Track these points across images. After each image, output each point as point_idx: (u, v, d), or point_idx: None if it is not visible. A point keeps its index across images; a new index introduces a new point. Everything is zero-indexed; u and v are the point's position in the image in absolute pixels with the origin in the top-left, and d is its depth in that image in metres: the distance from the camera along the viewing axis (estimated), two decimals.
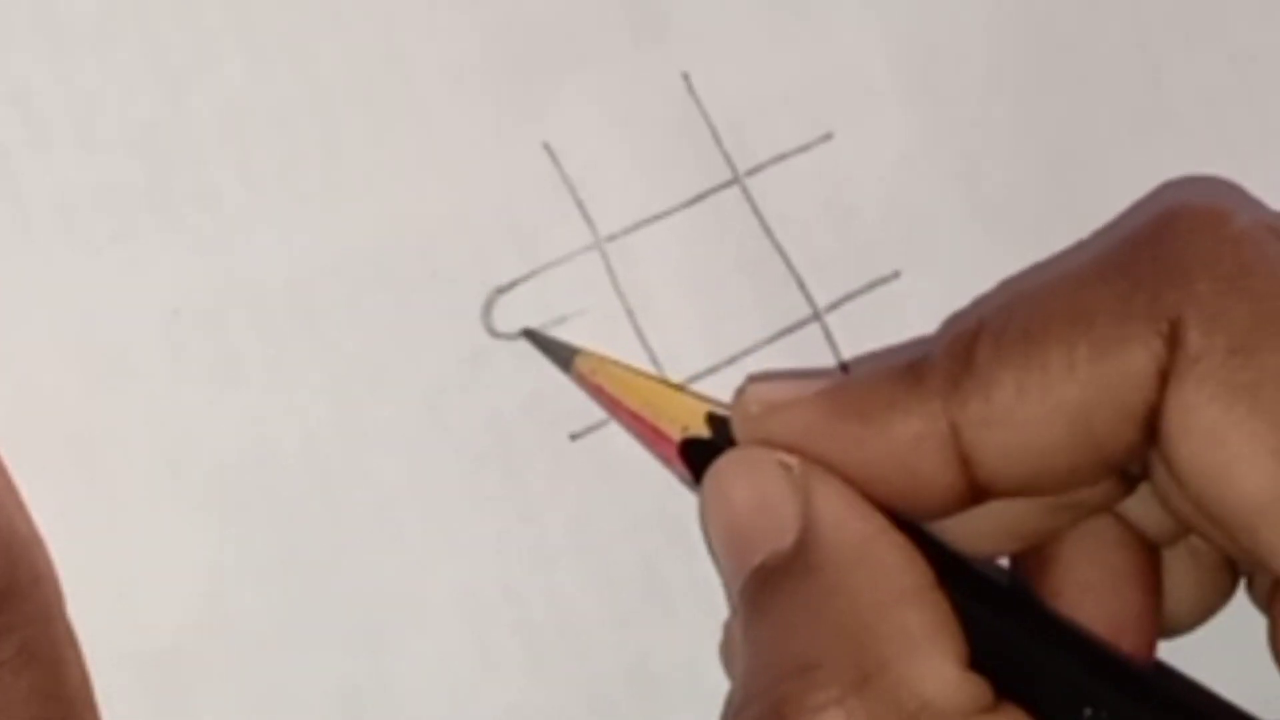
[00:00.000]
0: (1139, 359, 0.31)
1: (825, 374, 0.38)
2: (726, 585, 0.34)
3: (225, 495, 0.38)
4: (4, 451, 0.37)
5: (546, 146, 0.39)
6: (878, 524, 0.32)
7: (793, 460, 0.33)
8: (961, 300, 0.40)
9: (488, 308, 0.39)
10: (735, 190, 0.40)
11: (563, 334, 0.39)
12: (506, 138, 0.39)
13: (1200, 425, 0.31)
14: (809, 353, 0.40)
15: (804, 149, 0.40)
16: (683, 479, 0.36)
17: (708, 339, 0.39)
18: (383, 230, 0.39)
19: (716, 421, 0.36)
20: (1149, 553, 0.35)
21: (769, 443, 0.34)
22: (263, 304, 0.38)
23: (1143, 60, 0.42)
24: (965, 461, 0.32)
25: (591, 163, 0.39)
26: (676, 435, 0.36)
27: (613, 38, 0.40)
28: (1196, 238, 0.32)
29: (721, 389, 0.39)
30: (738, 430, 0.35)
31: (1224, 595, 0.36)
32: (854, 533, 0.32)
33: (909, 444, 0.33)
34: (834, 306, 0.40)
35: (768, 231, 0.40)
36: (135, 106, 0.38)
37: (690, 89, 0.40)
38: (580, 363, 0.38)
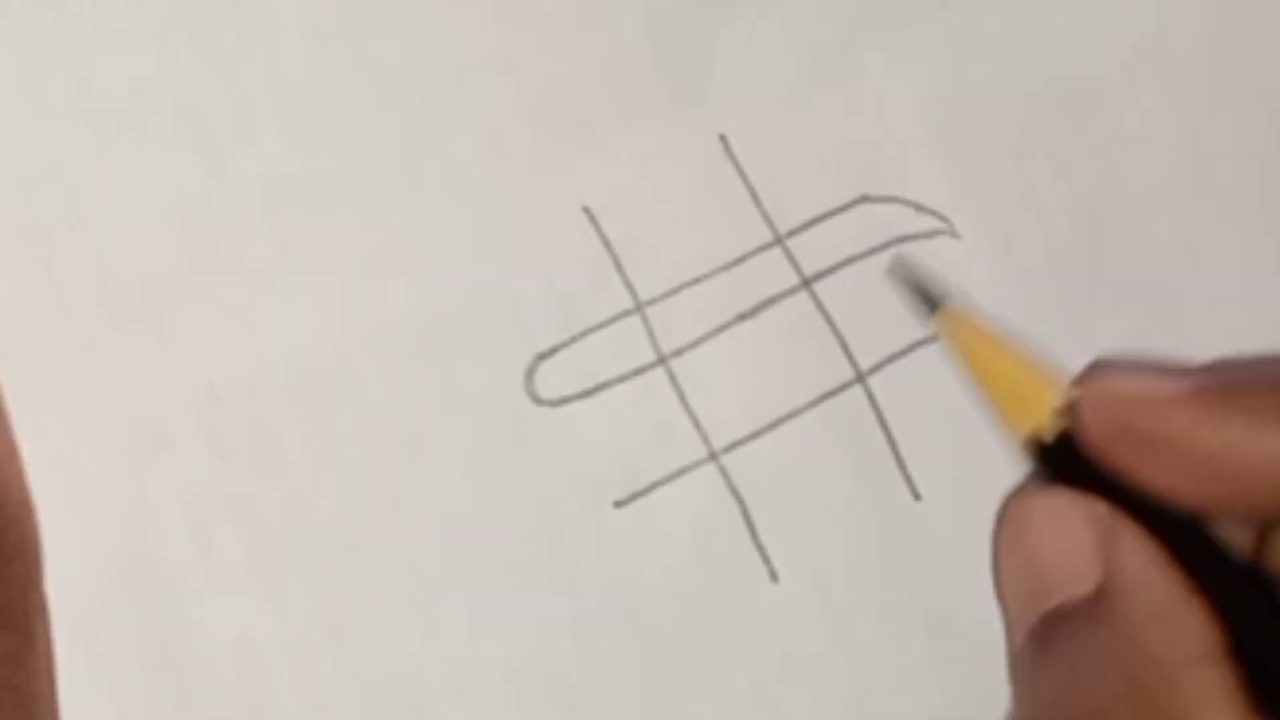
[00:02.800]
0: None
1: (1169, 368, 0.37)
2: (1010, 624, 0.34)
3: (264, 571, 0.38)
4: (43, 528, 0.37)
5: (586, 210, 0.39)
6: (1180, 585, 0.32)
7: (1101, 508, 0.33)
8: None
9: (530, 374, 0.38)
10: (777, 251, 0.40)
11: (604, 399, 0.39)
12: (546, 202, 0.39)
13: None
14: (853, 416, 0.39)
15: (840, 210, 0.40)
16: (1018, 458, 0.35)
17: (750, 402, 0.39)
18: (422, 298, 0.38)
19: (1064, 415, 0.34)
20: None
21: (1131, 430, 0.33)
22: (302, 377, 0.38)
23: (1180, 120, 0.42)
24: None
25: (631, 226, 0.39)
26: (1019, 432, 0.35)
27: (650, 101, 0.40)
28: None
29: (765, 453, 0.39)
30: (1094, 418, 0.34)
31: None
32: (1158, 590, 0.32)
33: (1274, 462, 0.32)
34: (876, 369, 0.40)
35: (811, 294, 0.39)
36: (173, 180, 0.38)
37: (728, 151, 0.40)
38: (943, 320, 0.36)
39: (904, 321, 0.40)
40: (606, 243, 0.39)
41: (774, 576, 0.39)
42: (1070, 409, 0.34)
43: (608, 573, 0.38)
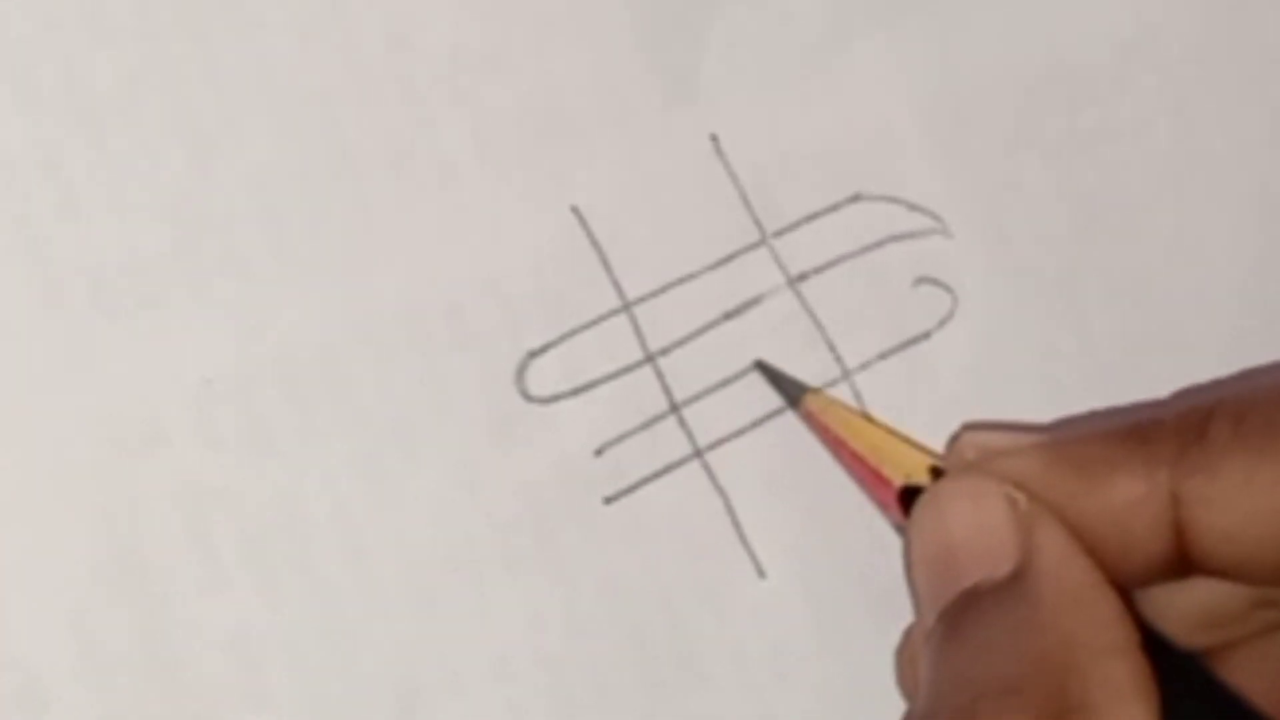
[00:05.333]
0: None
1: (1041, 427, 0.37)
2: (922, 604, 0.34)
3: (256, 565, 0.38)
4: (35, 522, 0.37)
5: (575, 209, 0.39)
6: (1097, 574, 0.32)
7: (1019, 494, 0.33)
8: (993, 360, 0.40)
9: (520, 372, 0.39)
10: (764, 251, 0.40)
11: (593, 397, 0.39)
12: (535, 201, 0.39)
13: None
14: None
15: (832, 209, 0.40)
16: (897, 525, 0.36)
17: (738, 400, 0.39)
18: (413, 296, 0.39)
19: (939, 475, 0.35)
20: None
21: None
22: (293, 372, 0.38)
23: (1174, 113, 0.42)
24: (1178, 533, 0.33)
25: (620, 225, 0.39)
26: (898, 482, 0.36)
27: (641, 100, 0.40)
28: None
29: (750, 451, 0.39)
30: (956, 467, 0.35)
31: None
32: (1075, 575, 0.32)
33: (1128, 506, 0.33)
34: (865, 366, 0.40)
35: (797, 293, 0.40)
36: (164, 174, 0.38)
37: (718, 150, 0.40)
38: (810, 400, 0.38)
39: (889, 321, 0.40)
40: (595, 242, 0.39)
41: (760, 572, 0.39)
42: (940, 474, 0.35)
43: (596, 568, 0.38)
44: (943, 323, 0.40)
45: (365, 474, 0.38)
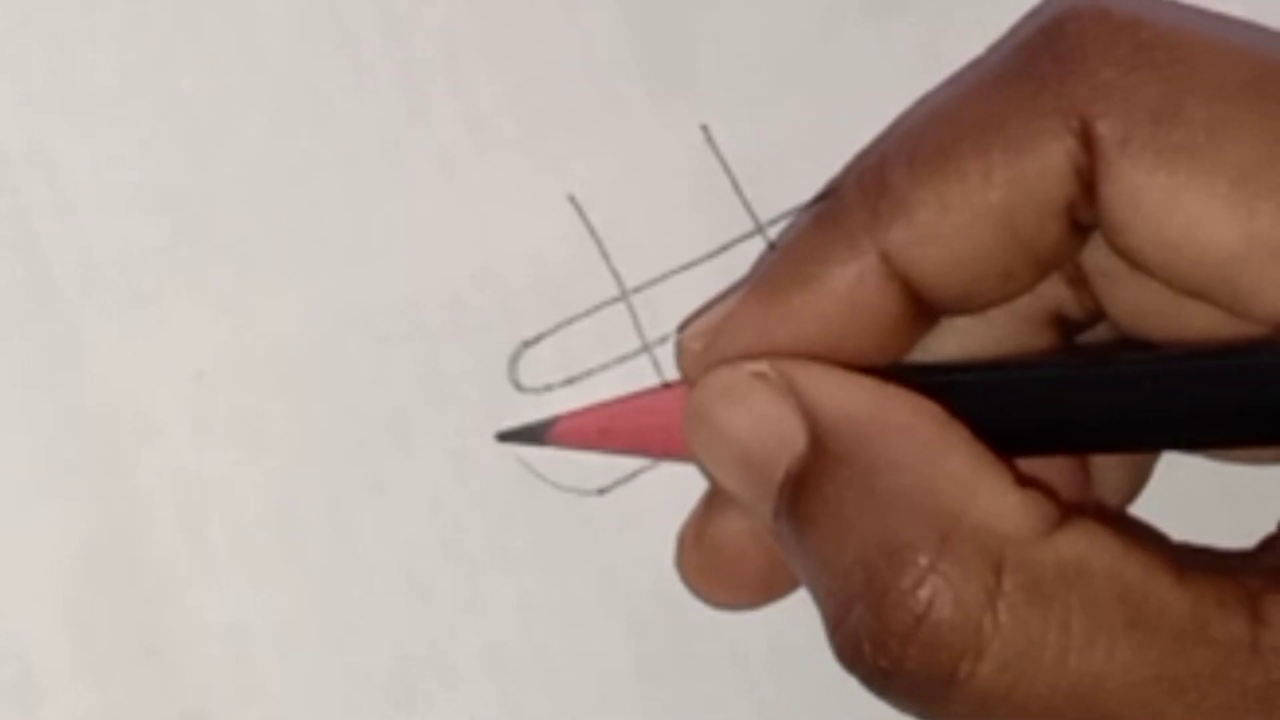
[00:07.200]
0: (1054, 155, 0.32)
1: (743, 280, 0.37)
2: (751, 510, 0.33)
3: (250, 557, 0.38)
4: (29, 514, 0.37)
5: (571, 199, 0.39)
6: (877, 389, 0.32)
7: (764, 365, 0.33)
8: None
9: (513, 362, 0.39)
10: (759, 241, 0.40)
11: (588, 386, 0.39)
12: (530, 190, 0.39)
13: (1149, 201, 0.31)
14: None
15: (818, 200, 0.40)
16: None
17: None
18: (408, 287, 0.39)
19: None
20: None
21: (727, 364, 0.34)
22: (286, 363, 0.38)
23: None
24: (905, 286, 0.33)
25: (616, 214, 0.39)
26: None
27: (632, 90, 0.40)
28: (1090, 30, 0.32)
29: None
30: (693, 374, 0.35)
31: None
32: (862, 406, 0.32)
33: (849, 288, 0.33)
34: None
35: None
36: (157, 165, 0.38)
37: (709, 140, 0.40)
38: (555, 431, 0.37)
39: None
40: (591, 231, 0.39)
41: None
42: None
43: (591, 559, 0.38)
44: None
45: (359, 465, 0.38)
